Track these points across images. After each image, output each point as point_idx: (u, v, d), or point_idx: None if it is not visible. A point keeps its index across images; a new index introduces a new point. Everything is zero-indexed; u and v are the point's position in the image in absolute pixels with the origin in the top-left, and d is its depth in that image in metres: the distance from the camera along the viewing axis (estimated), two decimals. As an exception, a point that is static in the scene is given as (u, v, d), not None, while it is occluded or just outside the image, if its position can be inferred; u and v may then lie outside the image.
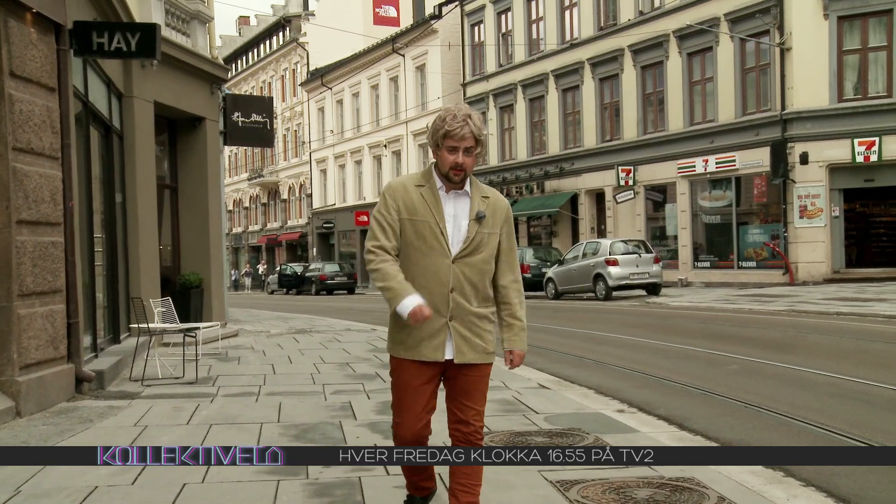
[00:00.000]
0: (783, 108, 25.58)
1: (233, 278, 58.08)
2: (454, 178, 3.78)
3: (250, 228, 68.06)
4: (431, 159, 4.03)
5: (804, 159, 25.09)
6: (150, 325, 10.15)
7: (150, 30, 9.07)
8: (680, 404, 8.06)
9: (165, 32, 13.71)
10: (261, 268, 56.85)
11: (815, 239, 25.44)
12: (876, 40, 24.68)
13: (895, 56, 24.24)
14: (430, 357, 3.84)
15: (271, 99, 19.92)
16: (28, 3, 7.79)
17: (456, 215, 3.82)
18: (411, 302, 3.68)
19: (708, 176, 28.67)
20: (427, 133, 3.88)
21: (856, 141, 24.36)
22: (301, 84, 57.78)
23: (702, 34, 28.06)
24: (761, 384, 9.01)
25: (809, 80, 25.02)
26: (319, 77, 54.14)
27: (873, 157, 24.27)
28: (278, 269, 52.92)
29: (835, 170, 25.17)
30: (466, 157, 3.76)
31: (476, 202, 3.85)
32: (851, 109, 24.61)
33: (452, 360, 3.86)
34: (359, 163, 51.35)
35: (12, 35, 7.60)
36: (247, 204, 68.72)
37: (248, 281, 60.48)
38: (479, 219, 3.82)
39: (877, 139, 24.10)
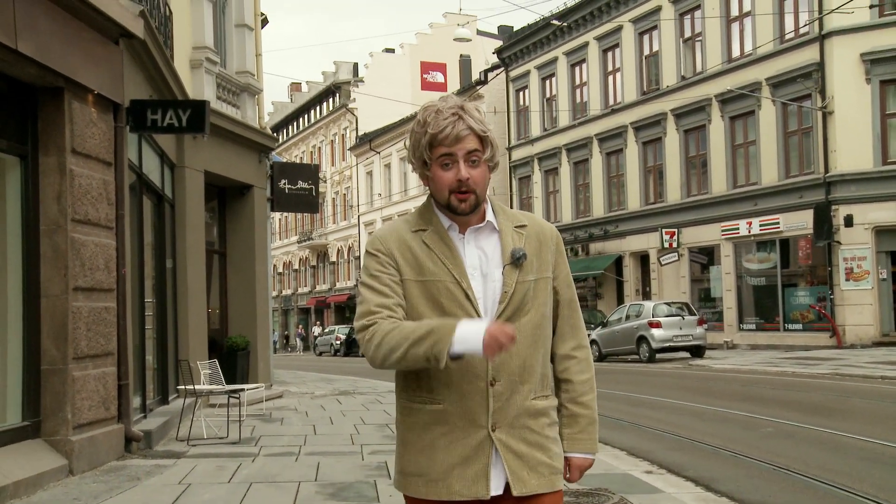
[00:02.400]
0: (826, 170, 25.62)
1: (273, 340, 58.78)
2: (460, 208, 2.41)
3: (300, 290, 68.95)
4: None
5: (849, 222, 25.03)
6: (197, 387, 10.54)
7: (200, 107, 9.63)
8: (709, 466, 8.19)
9: (216, 105, 14.36)
10: (317, 329, 57.49)
11: (862, 301, 25.24)
12: (918, 104, 24.74)
13: (937, 119, 24.24)
14: (468, 495, 2.41)
15: (317, 166, 20.57)
16: (91, 85, 8.37)
17: (482, 263, 2.47)
18: (472, 328, 2.28)
19: (752, 238, 28.67)
20: (407, 150, 2.54)
21: (900, 203, 24.28)
22: (350, 148, 59.00)
23: (744, 98, 28.32)
24: (794, 447, 9.08)
25: (852, 143, 25.08)
26: (368, 142, 55.28)
27: (917, 220, 24.14)
28: (319, 331, 53.96)
29: (881, 232, 25.06)
30: (472, 168, 2.41)
31: (509, 237, 2.49)
32: (895, 172, 24.57)
33: (504, 493, 2.44)
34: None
35: (75, 115, 8.16)
36: (296, 266, 69.75)
37: (299, 342, 61.11)
38: (517, 261, 2.45)
39: (922, 201, 23.99)
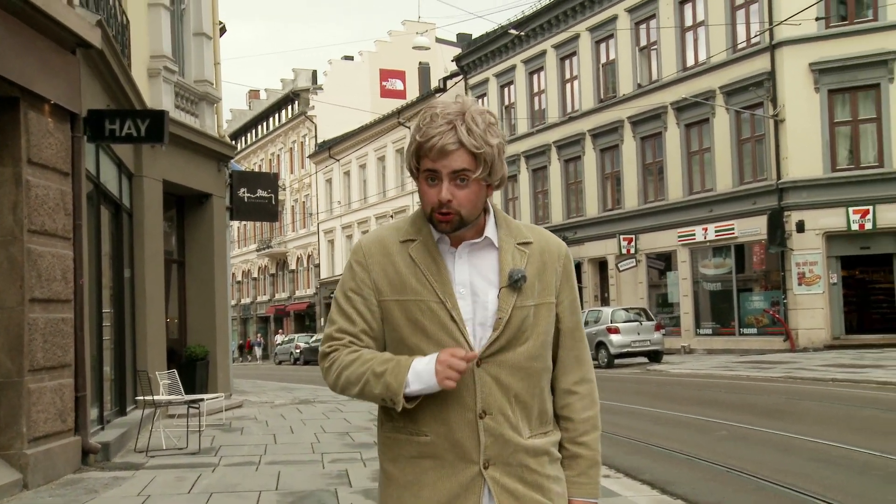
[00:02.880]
0: (779, 177, 26.10)
1: (232, 349, 58.39)
2: (440, 228, 2.15)
3: (259, 299, 68.55)
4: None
5: (800, 227, 25.51)
6: (156, 398, 10.50)
7: (158, 116, 9.63)
8: (665, 469, 8.35)
9: (174, 114, 14.31)
10: (279, 338, 57.15)
11: (814, 306, 25.72)
12: (866, 113, 25.31)
13: (884, 128, 24.83)
14: None
15: (276, 175, 20.54)
16: (47, 95, 8.34)
17: (474, 283, 2.18)
18: (425, 361, 2.11)
19: (708, 244, 29.10)
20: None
21: (850, 209, 24.82)
22: (309, 156, 58.85)
23: (698, 106, 28.75)
24: (747, 449, 9.28)
25: (803, 151, 25.59)
26: (327, 149, 55.19)
27: (868, 225, 24.68)
28: (281, 340, 53.68)
29: (831, 237, 25.58)
30: (458, 188, 2.11)
31: (509, 255, 2.20)
32: (845, 179, 25.13)
33: None
34: (366, 233, 52.08)
35: (31, 125, 8.13)
36: (255, 275, 69.35)
37: (258, 351, 60.75)
38: (515, 283, 2.16)
39: (871, 208, 24.55)
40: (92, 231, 10.48)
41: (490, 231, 2.21)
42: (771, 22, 25.68)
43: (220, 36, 18.76)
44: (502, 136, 2.16)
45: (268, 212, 18.24)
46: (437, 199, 2.11)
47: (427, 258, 2.18)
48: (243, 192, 17.41)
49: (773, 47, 26.11)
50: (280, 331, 62.10)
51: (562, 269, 2.26)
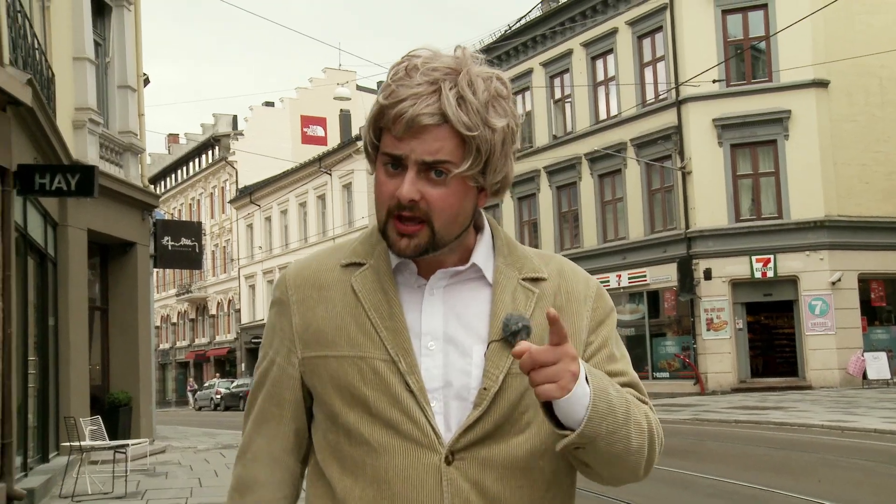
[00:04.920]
0: (687, 226, 27.33)
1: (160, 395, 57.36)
2: (398, 246, 1.43)
3: (178, 344, 67.67)
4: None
5: (708, 275, 26.71)
6: (82, 443, 10.70)
7: (88, 172, 9.98)
8: (571, 506, 8.91)
9: (99, 164, 14.57)
10: (216, 381, 56.14)
11: (721, 350, 26.86)
12: (765, 166, 26.79)
13: (782, 181, 26.31)
14: None
15: (200, 223, 20.84)
16: (-21, 151, 8.65)
17: (450, 333, 1.47)
18: None
19: (622, 290, 30.13)
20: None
21: (753, 258, 26.12)
22: (230, 201, 58.76)
23: (611, 157, 29.96)
24: (651, 487, 9.90)
25: (709, 202, 26.89)
26: (248, 194, 55.25)
27: (770, 273, 26.01)
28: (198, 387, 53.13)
29: (736, 285, 26.83)
30: (430, 184, 1.40)
31: (508, 294, 1.49)
32: (748, 229, 26.47)
33: None
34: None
35: (-36, 180, 8.42)
36: (175, 320, 68.50)
37: (191, 398, 59.75)
38: (513, 336, 1.42)
39: (772, 256, 25.91)
40: (18, 280, 10.70)
41: (481, 257, 1.49)
42: (677, 80, 27.06)
43: (144, 86, 19.08)
44: (514, 115, 1.43)
45: (192, 260, 18.51)
46: (396, 197, 1.38)
47: (377, 292, 1.45)
48: (167, 241, 17.68)
49: (679, 103, 27.49)
50: (190, 379, 61.33)
51: (591, 313, 1.51)
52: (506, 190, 1.50)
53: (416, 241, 1.40)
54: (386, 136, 1.40)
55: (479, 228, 1.53)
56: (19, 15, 10.38)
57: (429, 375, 1.43)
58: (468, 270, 1.48)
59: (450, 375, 1.43)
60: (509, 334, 1.41)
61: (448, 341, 1.45)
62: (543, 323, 1.40)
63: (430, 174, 1.38)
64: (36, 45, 11.48)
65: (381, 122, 1.40)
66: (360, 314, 1.46)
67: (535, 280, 1.50)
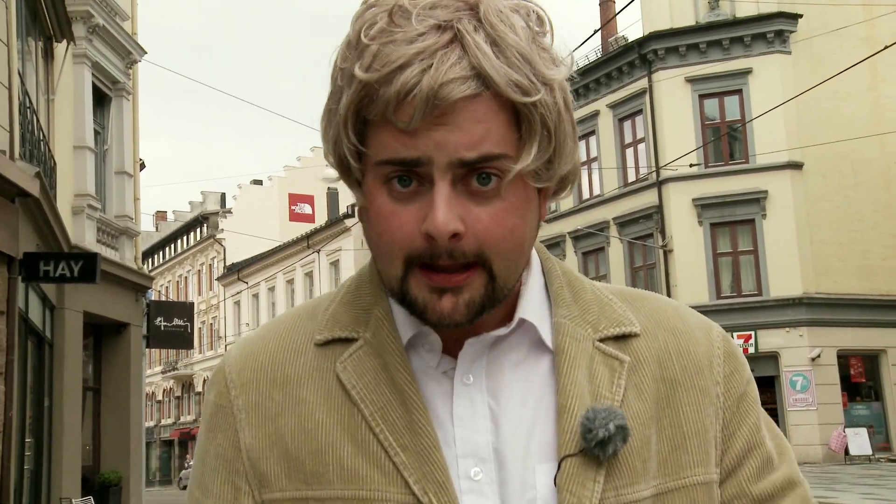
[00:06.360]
0: (669, 303, 27.80)
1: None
2: (442, 314, 0.86)
3: (163, 422, 67.20)
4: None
5: (691, 351, 27.09)
6: (77, 525, 10.91)
7: (91, 259, 10.42)
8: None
9: (96, 248, 15.02)
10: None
11: (705, 425, 27.09)
12: (744, 245, 27.47)
13: (761, 259, 26.98)
14: None
15: (192, 304, 21.21)
16: (-11, 242, 9.09)
17: (500, 450, 0.91)
18: None
19: (606, 366, 30.45)
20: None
21: (735, 334, 26.57)
22: (218, 278, 59.11)
23: (594, 236, 30.62)
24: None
25: (691, 279, 27.47)
26: (236, 272, 55.65)
27: (751, 350, 26.44)
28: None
29: (719, 360, 27.18)
30: (475, 199, 0.85)
31: (581, 372, 0.92)
32: (728, 306, 27.00)
33: None
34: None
35: (-26, 270, 8.84)
36: (160, 397, 68.17)
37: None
38: (600, 448, 0.88)
39: (752, 333, 26.40)
40: (19, 364, 11.03)
41: (533, 307, 0.99)
42: (657, 161, 27.88)
43: (140, 171, 19.62)
44: (565, 61, 0.91)
45: (183, 339, 18.84)
46: (424, 233, 0.86)
47: (381, 386, 0.94)
48: (160, 321, 18.03)
49: (660, 183, 28.26)
50: (188, 455, 60.84)
51: (722, 387, 1.02)
52: (573, 186, 1.00)
53: (469, 296, 0.87)
54: (381, 132, 0.86)
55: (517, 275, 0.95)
56: (28, 111, 10.93)
57: None
58: (515, 333, 0.95)
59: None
60: (594, 444, 0.89)
61: (502, 465, 0.91)
62: (641, 410, 0.93)
63: (472, 182, 0.86)
64: (41, 137, 12.02)
65: (369, 110, 0.86)
66: (358, 425, 0.92)
67: (622, 338, 0.98)
